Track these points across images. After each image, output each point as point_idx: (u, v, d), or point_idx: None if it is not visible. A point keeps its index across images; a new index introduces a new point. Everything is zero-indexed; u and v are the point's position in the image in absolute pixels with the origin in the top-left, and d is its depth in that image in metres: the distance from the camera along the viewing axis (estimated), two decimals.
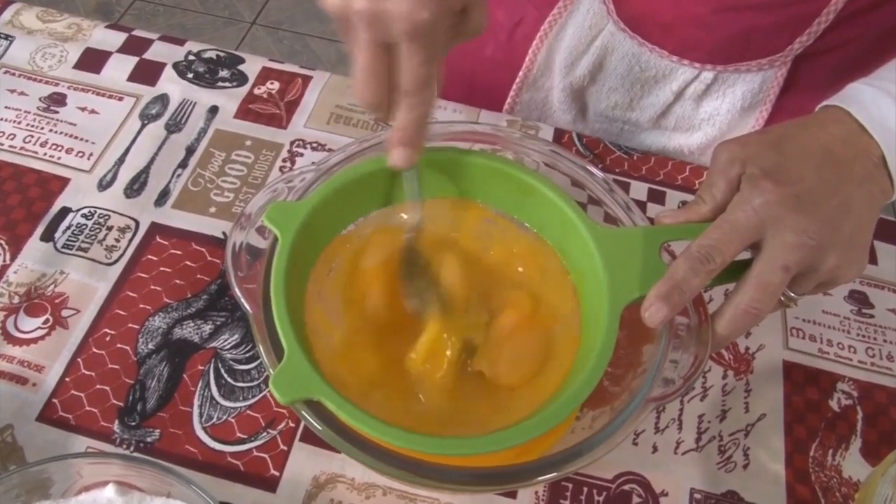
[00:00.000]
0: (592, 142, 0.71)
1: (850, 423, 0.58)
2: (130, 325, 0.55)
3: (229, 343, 0.55)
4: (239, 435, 0.52)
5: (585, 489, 0.52)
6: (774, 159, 0.45)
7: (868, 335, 0.63)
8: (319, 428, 0.41)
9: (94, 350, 0.54)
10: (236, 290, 0.44)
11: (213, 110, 0.68)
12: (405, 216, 0.51)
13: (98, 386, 0.53)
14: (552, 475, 0.41)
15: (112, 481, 0.44)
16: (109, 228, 0.60)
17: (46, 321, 0.55)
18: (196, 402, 0.53)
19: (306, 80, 0.72)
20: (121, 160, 0.64)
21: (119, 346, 0.54)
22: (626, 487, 0.53)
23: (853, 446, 0.57)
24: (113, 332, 0.55)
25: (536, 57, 0.72)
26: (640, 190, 0.68)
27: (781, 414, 0.57)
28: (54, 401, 0.52)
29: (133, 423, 0.51)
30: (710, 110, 0.70)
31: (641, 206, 0.66)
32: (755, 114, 0.69)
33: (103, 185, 0.62)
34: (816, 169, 0.44)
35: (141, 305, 0.56)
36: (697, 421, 0.56)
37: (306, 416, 0.41)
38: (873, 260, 0.67)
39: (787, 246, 0.43)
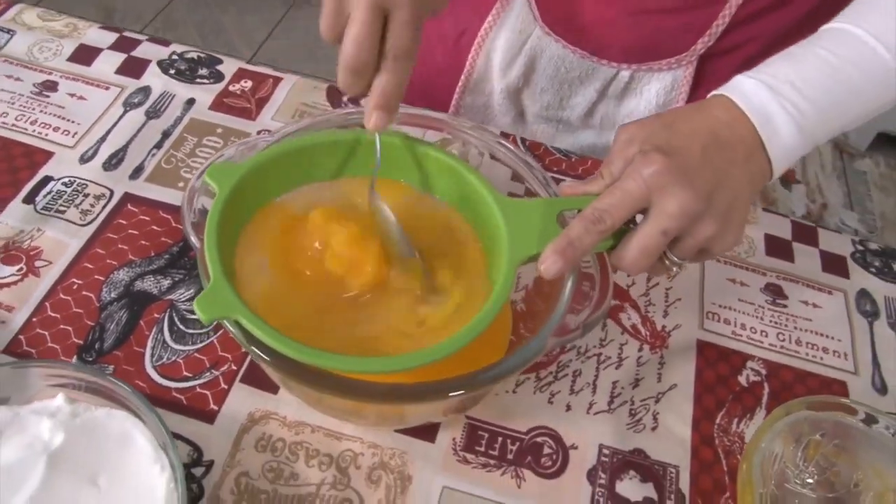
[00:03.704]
0: (534, 145, 0.77)
1: (757, 396, 0.63)
2: (97, 276, 0.61)
3: (185, 296, 0.61)
4: (185, 373, 0.57)
5: (500, 438, 0.57)
6: (666, 137, 0.50)
7: (780, 322, 0.68)
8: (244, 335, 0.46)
9: (62, 296, 0.60)
10: (187, 225, 0.50)
11: (191, 102, 0.75)
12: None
13: (62, 326, 0.58)
14: (459, 392, 0.46)
15: (61, 392, 0.49)
16: (86, 195, 0.66)
17: (20, 269, 0.60)
18: (149, 345, 0.58)
19: (277, 80, 0.79)
20: (102, 139, 0.70)
21: (84, 293, 0.60)
22: (539, 440, 0.58)
23: (757, 416, 0.61)
24: (80, 282, 0.61)
25: (476, 61, 0.79)
26: None
27: (692, 386, 0.62)
28: (20, 337, 0.57)
29: (90, 359, 0.56)
30: (630, 108, 0.76)
31: None
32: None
33: (84, 160, 0.69)
34: (702, 147, 0.49)
35: (108, 260, 0.62)
36: (611, 386, 0.61)
37: (236, 327, 0.46)
38: (790, 258, 0.73)
39: (667, 213, 0.48)
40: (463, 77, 0.81)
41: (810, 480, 0.55)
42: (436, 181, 0.58)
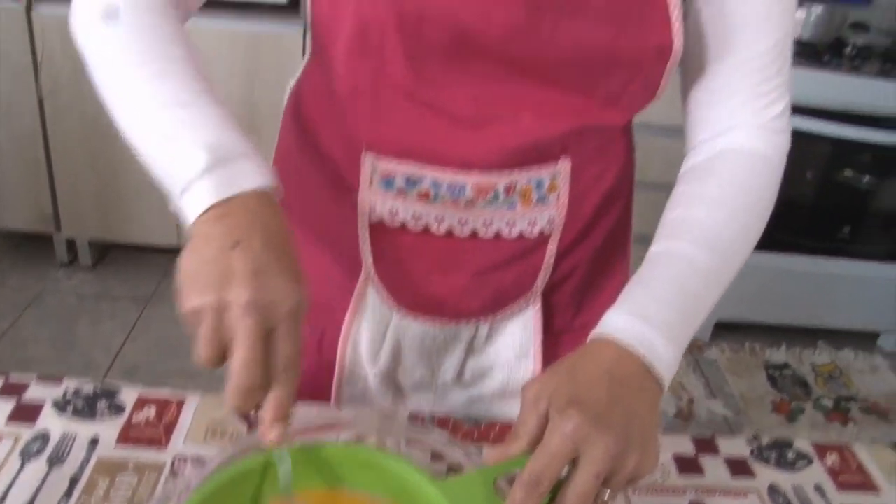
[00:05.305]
0: (442, 421, 0.78)
1: None
2: None
3: None
4: None
5: None
6: (572, 389, 0.56)
7: None
8: None
9: None
10: None
11: (95, 441, 0.72)
12: None
13: None
14: None
15: None
16: None
17: None
18: None
19: (180, 402, 0.78)
20: (2, 499, 0.65)
21: None
22: None
23: None
24: None
25: (344, 357, 0.83)
26: None
27: None
28: None
29: None
30: (495, 355, 0.83)
31: None
32: (531, 347, 0.82)
33: None
34: (606, 390, 0.56)
35: None
36: None
37: None
38: (700, 471, 0.78)
39: (596, 459, 0.53)
40: (337, 372, 0.84)
41: None
42: (362, 480, 0.59)
